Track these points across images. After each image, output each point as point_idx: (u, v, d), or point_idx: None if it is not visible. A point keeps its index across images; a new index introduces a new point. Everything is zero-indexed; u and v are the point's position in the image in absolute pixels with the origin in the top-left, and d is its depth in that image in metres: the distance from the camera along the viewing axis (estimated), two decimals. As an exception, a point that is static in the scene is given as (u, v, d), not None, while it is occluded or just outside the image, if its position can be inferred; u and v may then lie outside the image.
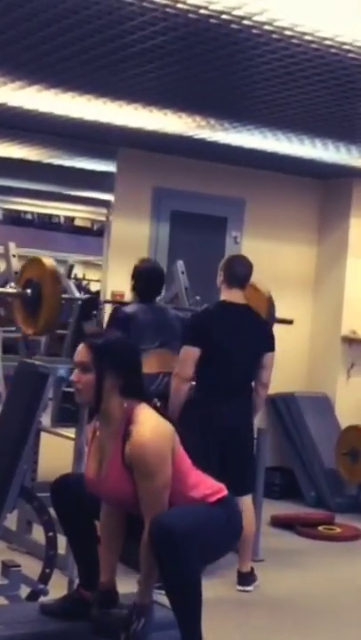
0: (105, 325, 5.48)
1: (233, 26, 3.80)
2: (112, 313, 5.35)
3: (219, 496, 3.07)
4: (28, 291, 5.12)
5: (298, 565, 5.47)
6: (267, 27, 3.79)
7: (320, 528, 6.15)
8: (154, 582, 2.97)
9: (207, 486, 3.08)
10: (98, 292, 7.92)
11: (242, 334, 4.72)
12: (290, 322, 6.01)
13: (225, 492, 3.10)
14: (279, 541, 5.88)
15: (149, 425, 2.94)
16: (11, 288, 5.38)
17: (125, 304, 5.33)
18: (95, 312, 5.85)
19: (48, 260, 5.08)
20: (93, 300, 5.28)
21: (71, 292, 6.43)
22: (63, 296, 5.56)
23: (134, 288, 5.09)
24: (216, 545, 3.12)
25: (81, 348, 3.00)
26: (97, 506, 3.12)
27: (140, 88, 5.00)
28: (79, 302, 5.79)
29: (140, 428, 2.92)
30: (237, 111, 5.48)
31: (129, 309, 5.02)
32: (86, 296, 5.15)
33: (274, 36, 3.90)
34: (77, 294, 6.33)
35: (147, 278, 5.10)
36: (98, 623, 3.01)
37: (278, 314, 5.85)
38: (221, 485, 3.12)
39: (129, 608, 2.96)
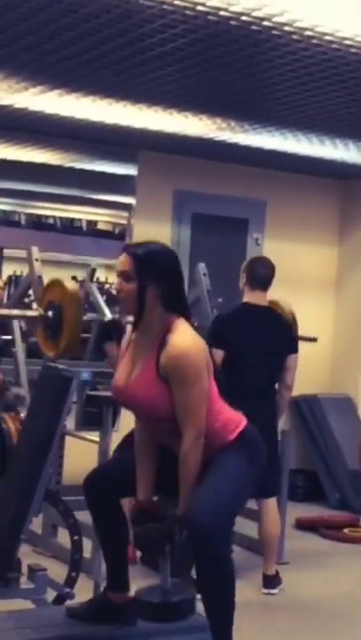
0: None
1: (253, 27, 3.80)
2: None
3: (240, 429, 3.06)
4: (50, 313, 5.16)
5: (322, 568, 5.45)
6: (287, 28, 3.79)
7: (345, 530, 6.12)
8: (193, 490, 2.93)
9: (229, 418, 3.07)
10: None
11: (265, 336, 4.71)
12: (313, 339, 5.98)
13: (244, 423, 3.10)
14: (304, 544, 5.86)
15: (188, 337, 2.93)
16: (32, 310, 5.42)
17: None
18: (117, 333, 5.84)
19: (70, 283, 5.10)
20: (116, 323, 5.26)
21: (94, 296, 6.42)
22: (85, 318, 5.60)
23: None
24: (246, 493, 3.13)
25: (123, 257, 2.98)
26: (129, 486, 3.10)
27: (160, 91, 5.01)
28: (101, 322, 5.79)
29: (179, 338, 2.91)
30: (258, 112, 5.48)
31: None
32: (108, 318, 5.13)
33: (294, 36, 3.90)
34: (101, 300, 6.33)
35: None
36: (141, 538, 3.02)
37: (300, 315, 5.82)
38: (241, 416, 3.11)
39: (170, 520, 2.95)
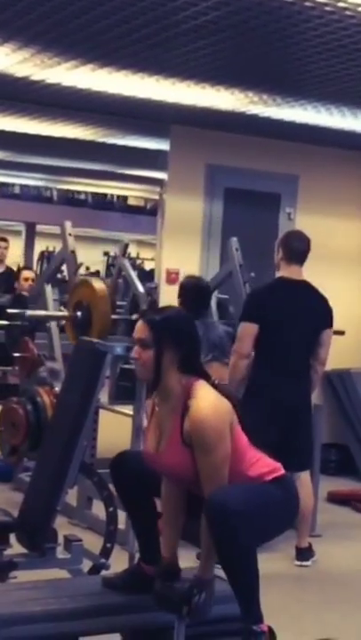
0: None
1: (286, -1, 3.78)
2: None
3: (276, 475, 3.07)
4: (79, 313, 5.20)
5: (354, 541, 5.47)
6: (320, -1, 3.76)
7: (377, 504, 6.13)
8: (215, 557, 3.00)
9: (264, 464, 3.08)
10: (152, 271, 7.95)
11: (300, 311, 4.70)
12: (341, 333, 5.96)
13: (282, 471, 3.10)
14: (336, 517, 5.88)
15: (208, 400, 2.96)
16: (61, 310, 5.50)
17: None
18: None
19: (97, 283, 5.15)
20: None
21: (127, 271, 6.45)
22: (113, 317, 5.67)
23: (182, 304, 5.11)
24: (272, 522, 3.12)
25: (140, 324, 3.02)
26: (156, 481, 3.15)
27: (192, 65, 5.00)
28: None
29: (200, 403, 2.94)
30: (290, 86, 5.45)
31: None
32: (135, 316, 5.18)
33: (327, 8, 3.87)
34: (134, 275, 6.35)
35: (193, 293, 5.16)
36: (160, 596, 3.05)
37: (331, 289, 5.81)
38: (278, 464, 3.12)
39: (190, 582, 3.00)
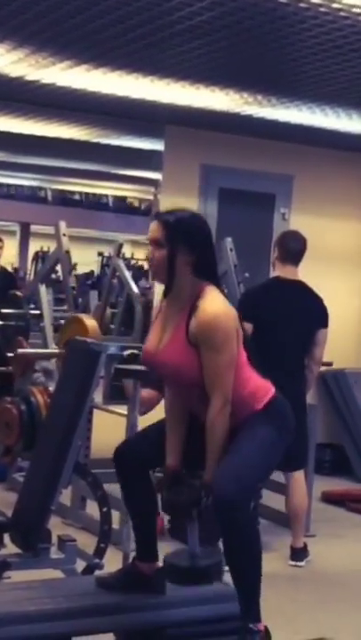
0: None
1: (280, 0, 3.78)
2: None
3: (267, 398, 3.07)
4: None
5: (349, 541, 5.48)
6: (315, 0, 3.76)
7: (371, 504, 6.14)
8: (220, 458, 2.97)
9: (258, 385, 3.08)
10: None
11: (295, 310, 4.71)
12: (329, 364, 5.95)
13: (273, 392, 3.10)
14: (330, 517, 5.89)
15: (218, 302, 2.96)
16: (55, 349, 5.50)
17: None
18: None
19: (89, 320, 5.13)
20: (135, 357, 5.13)
21: (121, 271, 6.45)
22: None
23: None
24: (274, 459, 3.13)
25: (154, 224, 3.01)
26: (158, 460, 3.14)
27: (187, 65, 5.00)
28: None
29: (210, 304, 2.93)
30: (285, 87, 5.45)
31: None
32: (128, 352, 4.98)
33: (322, 9, 3.87)
34: (128, 275, 6.36)
35: None
36: (169, 502, 3.08)
37: (327, 290, 5.82)
38: (270, 385, 3.12)
39: (197, 486, 3.00)
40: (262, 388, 3.09)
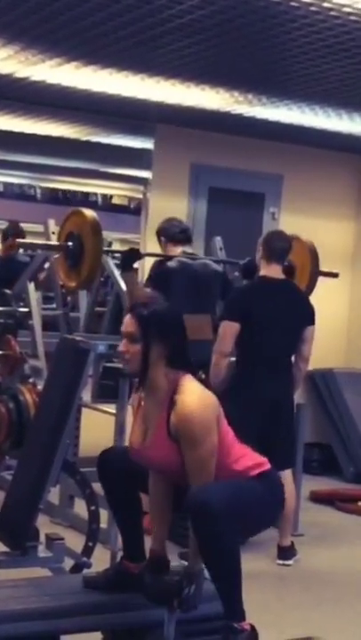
0: (145, 280, 5.53)
1: (271, -1, 3.78)
2: (154, 267, 5.44)
3: (261, 469, 3.08)
4: (70, 243, 5.12)
5: (337, 540, 5.49)
6: (305, -1, 3.77)
7: (359, 503, 6.14)
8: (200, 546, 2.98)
9: (250, 459, 3.09)
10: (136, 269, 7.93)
11: (282, 308, 4.72)
12: (335, 275, 5.98)
13: (268, 466, 3.11)
14: (318, 516, 5.89)
15: (195, 395, 2.97)
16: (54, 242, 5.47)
17: (169, 258, 5.32)
18: (136, 264, 5.89)
19: (88, 212, 5.08)
20: (135, 252, 5.32)
21: (110, 270, 6.43)
22: (105, 248, 5.62)
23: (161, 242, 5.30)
24: (257, 517, 3.13)
25: (128, 318, 3.02)
26: (143, 477, 3.15)
27: (177, 63, 4.99)
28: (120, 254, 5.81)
29: (186, 398, 2.94)
30: (275, 86, 5.45)
31: (172, 264, 5.14)
32: (127, 249, 5.23)
33: (312, 8, 3.88)
34: (117, 274, 6.34)
35: (170, 226, 5.32)
36: (150, 589, 3.06)
37: (316, 289, 5.84)
38: (264, 459, 3.13)
39: (180, 574, 3.00)
40: (257, 464, 3.10)
